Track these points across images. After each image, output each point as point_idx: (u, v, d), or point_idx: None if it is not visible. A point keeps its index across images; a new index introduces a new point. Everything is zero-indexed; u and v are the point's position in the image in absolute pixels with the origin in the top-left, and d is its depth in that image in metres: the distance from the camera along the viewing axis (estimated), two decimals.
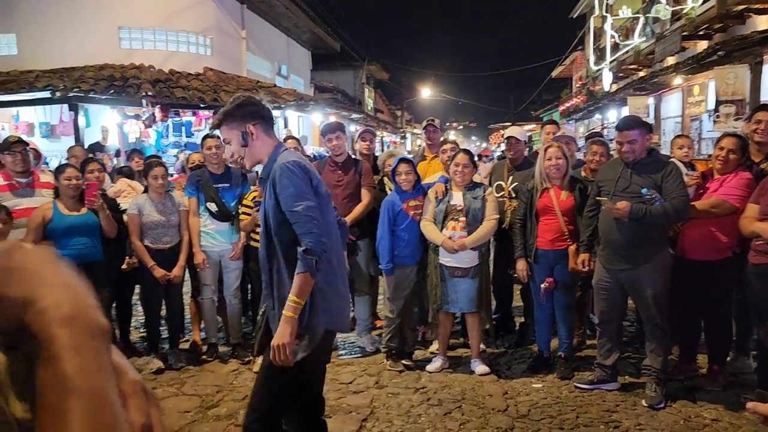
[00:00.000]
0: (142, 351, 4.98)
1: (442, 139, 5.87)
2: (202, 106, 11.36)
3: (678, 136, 5.29)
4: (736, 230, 3.86)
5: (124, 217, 4.76)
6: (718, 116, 8.20)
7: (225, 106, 2.57)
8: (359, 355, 4.96)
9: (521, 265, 4.43)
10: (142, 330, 5.52)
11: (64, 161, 7.41)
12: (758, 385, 3.86)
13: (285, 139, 5.54)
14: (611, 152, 5.12)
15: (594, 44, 18.68)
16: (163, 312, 5.03)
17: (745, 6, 8.89)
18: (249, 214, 4.72)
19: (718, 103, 8.20)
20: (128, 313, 5.19)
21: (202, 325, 5.10)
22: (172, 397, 4.17)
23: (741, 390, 4.01)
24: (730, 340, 4.31)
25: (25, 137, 5.30)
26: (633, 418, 3.71)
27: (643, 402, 3.89)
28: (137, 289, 5.13)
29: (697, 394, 4.01)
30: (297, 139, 6.08)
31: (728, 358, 4.30)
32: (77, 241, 4.23)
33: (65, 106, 10.82)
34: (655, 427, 3.58)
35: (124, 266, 4.78)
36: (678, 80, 11.33)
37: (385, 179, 5.15)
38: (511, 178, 5.10)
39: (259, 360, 4.61)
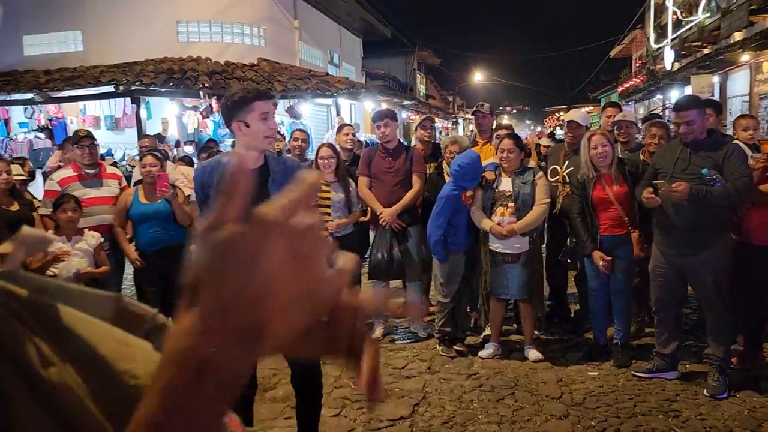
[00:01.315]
0: None
1: (495, 124, 5.81)
2: None
3: (741, 117, 5.01)
4: None
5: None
6: None
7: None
8: (411, 340, 5.00)
9: (597, 256, 4.20)
10: None
11: (128, 152, 7.74)
12: None
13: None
14: (672, 135, 4.94)
15: (655, 21, 17.99)
16: None
17: None
18: None
19: None
20: None
21: None
22: None
23: None
24: None
25: (91, 130, 5.57)
26: (694, 408, 3.60)
27: (705, 392, 3.77)
28: None
29: (762, 384, 3.86)
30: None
31: None
32: (152, 228, 4.42)
33: (128, 99, 11.26)
34: (718, 418, 3.47)
35: None
36: (745, 57, 10.81)
37: (444, 165, 5.10)
38: (567, 162, 5.00)
39: None
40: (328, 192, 4.76)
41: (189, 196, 5.00)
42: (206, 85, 10.87)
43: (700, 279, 3.79)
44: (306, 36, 17.32)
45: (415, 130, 5.87)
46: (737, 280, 3.86)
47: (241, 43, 15.07)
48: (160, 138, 10.17)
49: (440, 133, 25.47)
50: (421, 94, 28.36)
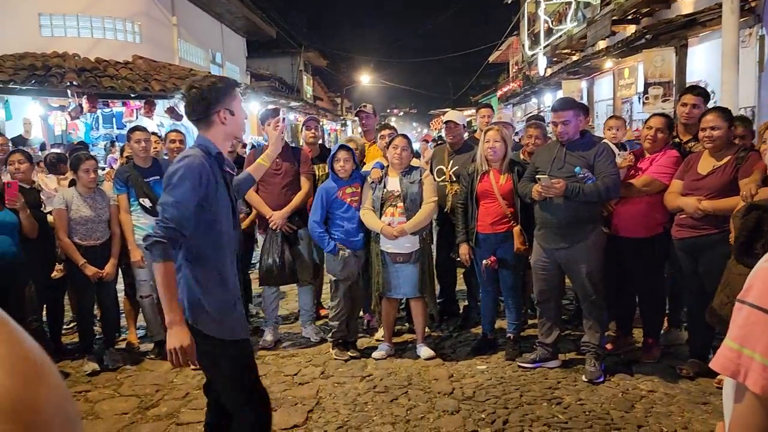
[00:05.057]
0: (76, 353, 4.77)
1: (383, 123, 5.83)
2: (132, 95, 10.92)
3: (610, 118, 5.40)
4: (667, 207, 4.00)
5: (49, 216, 4.55)
6: (647, 98, 8.49)
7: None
8: (304, 345, 4.89)
9: (464, 250, 4.45)
10: (67, 329, 5.29)
11: None
12: (690, 354, 4.04)
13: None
14: (548, 135, 5.20)
15: (528, 29, 19.03)
16: (96, 312, 4.82)
17: None
18: None
19: (647, 85, 8.48)
20: (60, 314, 4.98)
21: (138, 324, 4.91)
22: (108, 399, 4.00)
23: (674, 361, 4.17)
24: (663, 313, 4.47)
25: None
26: (574, 394, 3.80)
27: (583, 377, 3.99)
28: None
29: (634, 367, 4.15)
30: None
31: (661, 331, 4.47)
32: None
33: None
34: (595, 402, 3.68)
35: (53, 274, 4.56)
36: (609, 64, 11.67)
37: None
38: (451, 162, 5.11)
39: None
40: None
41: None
42: (74, 83, 10.05)
43: (575, 270, 4.01)
44: (185, 33, 16.60)
45: (301, 131, 5.73)
46: (609, 270, 4.12)
47: (113, 39, 14.16)
48: (22, 140, 9.28)
49: (329, 135, 25.38)
50: (309, 95, 28.14)
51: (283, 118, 3.16)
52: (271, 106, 13.09)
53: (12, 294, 4.04)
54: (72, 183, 4.59)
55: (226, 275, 2.39)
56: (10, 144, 7.11)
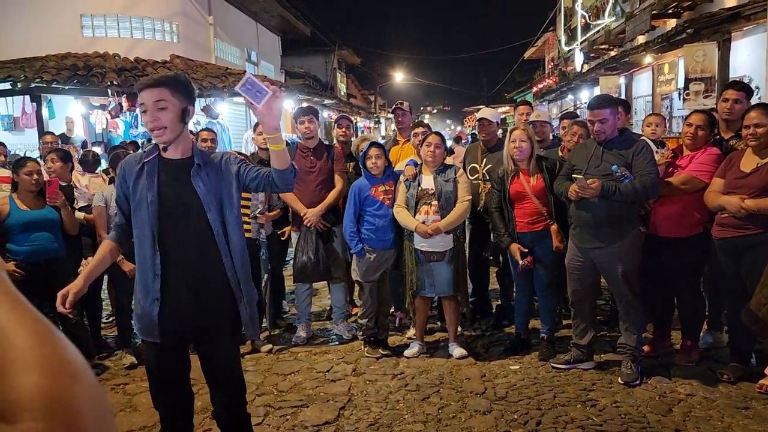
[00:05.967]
0: (114, 346, 4.89)
1: (417, 120, 5.81)
2: None
3: (650, 115, 5.30)
4: (707, 206, 3.89)
5: (77, 212, 4.70)
6: (687, 94, 8.26)
7: (173, 73, 2.66)
8: (336, 343, 4.92)
9: (515, 248, 4.27)
10: (106, 323, 5.42)
11: (29, 154, 7.21)
12: (731, 358, 3.92)
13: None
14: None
15: (565, 24, 18.72)
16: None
17: None
18: None
19: (688, 80, 8.26)
20: (98, 308, 5.10)
21: None
22: (145, 392, 4.06)
23: (714, 364, 4.06)
24: (702, 315, 4.36)
25: None
26: (609, 396, 3.73)
27: (619, 380, 3.92)
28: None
29: (671, 370, 4.05)
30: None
31: (701, 333, 4.35)
32: (36, 237, 4.13)
33: (27, 97, 10.51)
34: (631, 404, 3.60)
35: (80, 269, 4.69)
36: (648, 59, 11.40)
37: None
38: (485, 160, 5.07)
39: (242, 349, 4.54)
40: (248, 193, 4.61)
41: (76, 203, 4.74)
42: (115, 82, 10.29)
43: (611, 270, 3.93)
44: (221, 33, 16.83)
45: (332, 129, 5.76)
46: (646, 270, 4.03)
47: (152, 39, 14.44)
48: (64, 138, 9.54)
49: (362, 132, 25.42)
50: (342, 93, 28.27)
51: (247, 78, 2.31)
52: (304, 104, 13.19)
53: (54, 289, 4.16)
54: (113, 180, 4.71)
55: (144, 270, 2.55)
56: (59, 141, 7.33)
